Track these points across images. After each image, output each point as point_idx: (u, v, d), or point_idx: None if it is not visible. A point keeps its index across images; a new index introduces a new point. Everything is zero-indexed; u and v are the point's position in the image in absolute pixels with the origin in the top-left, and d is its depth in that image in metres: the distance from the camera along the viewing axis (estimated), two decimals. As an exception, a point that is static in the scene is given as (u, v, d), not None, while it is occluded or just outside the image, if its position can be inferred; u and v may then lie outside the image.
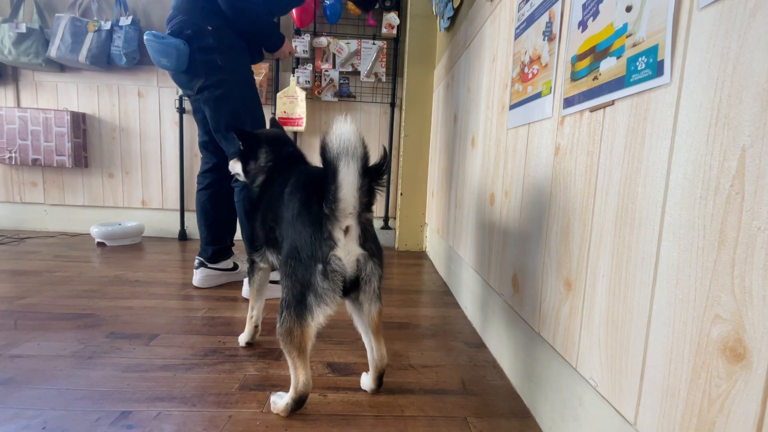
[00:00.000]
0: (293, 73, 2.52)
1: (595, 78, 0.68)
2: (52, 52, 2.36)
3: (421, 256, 2.44)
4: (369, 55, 2.54)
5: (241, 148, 1.13)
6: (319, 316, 0.79)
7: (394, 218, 2.73)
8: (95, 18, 2.46)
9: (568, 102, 0.78)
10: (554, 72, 0.84)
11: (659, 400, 0.53)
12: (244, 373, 1.00)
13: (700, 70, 0.49)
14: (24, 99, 2.61)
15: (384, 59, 2.56)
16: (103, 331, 1.20)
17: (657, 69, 0.55)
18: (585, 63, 0.72)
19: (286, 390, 0.86)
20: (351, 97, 2.62)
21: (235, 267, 1.74)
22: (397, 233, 2.58)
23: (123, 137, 2.65)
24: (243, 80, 1.51)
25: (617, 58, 0.63)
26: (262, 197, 1.06)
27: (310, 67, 2.54)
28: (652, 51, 0.55)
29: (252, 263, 1.12)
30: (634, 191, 0.60)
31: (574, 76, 0.76)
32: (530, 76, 0.97)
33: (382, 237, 2.67)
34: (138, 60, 2.53)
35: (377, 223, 2.70)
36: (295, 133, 2.63)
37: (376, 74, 2.57)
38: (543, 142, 0.91)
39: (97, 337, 1.15)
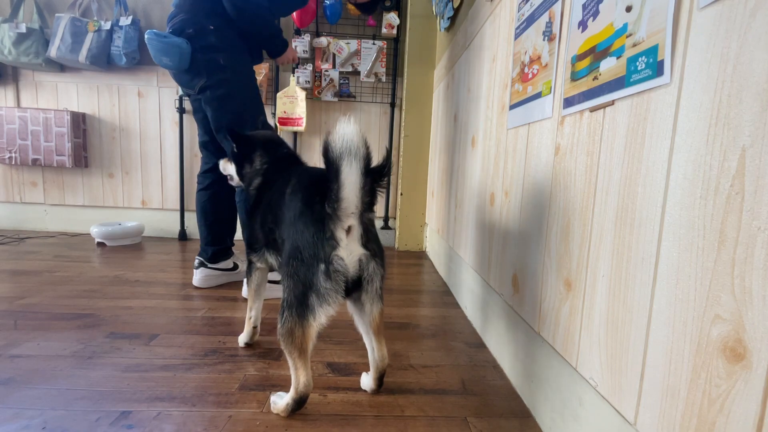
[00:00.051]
0: (293, 73, 2.52)
1: (595, 78, 0.69)
2: (52, 52, 2.36)
3: (421, 256, 2.44)
4: (369, 55, 2.54)
5: (234, 150, 1.12)
6: (321, 317, 0.79)
7: (394, 218, 2.73)
8: (95, 18, 2.46)
9: (568, 102, 0.78)
10: (554, 72, 0.84)
11: (659, 400, 0.53)
12: (244, 373, 1.00)
13: (700, 70, 0.49)
14: (24, 99, 2.61)
15: (384, 59, 2.56)
16: (103, 331, 1.20)
17: (657, 69, 0.55)
18: (585, 63, 0.72)
19: (286, 390, 0.86)
20: (351, 97, 2.62)
21: (235, 267, 1.74)
22: (397, 233, 2.58)
23: (123, 137, 2.65)
24: (245, 80, 1.51)
25: (617, 58, 0.63)
26: (261, 199, 1.06)
27: (310, 67, 2.54)
28: (652, 51, 0.55)
29: (250, 264, 1.12)
30: (634, 191, 0.60)
31: (574, 76, 0.76)
32: (530, 76, 0.97)
33: (383, 237, 2.67)
34: (138, 60, 2.53)
35: (377, 223, 2.70)
36: (295, 133, 2.63)
37: (376, 74, 2.57)
38: (543, 142, 0.91)
39: (97, 337, 1.15)
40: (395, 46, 2.57)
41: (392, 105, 2.63)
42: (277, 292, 1.47)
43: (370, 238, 0.83)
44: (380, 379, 0.92)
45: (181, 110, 2.58)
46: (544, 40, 0.90)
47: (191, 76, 1.45)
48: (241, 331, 1.17)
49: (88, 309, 1.37)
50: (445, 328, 1.34)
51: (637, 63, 0.58)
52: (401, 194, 2.51)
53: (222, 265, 1.69)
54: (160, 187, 2.69)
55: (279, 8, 1.58)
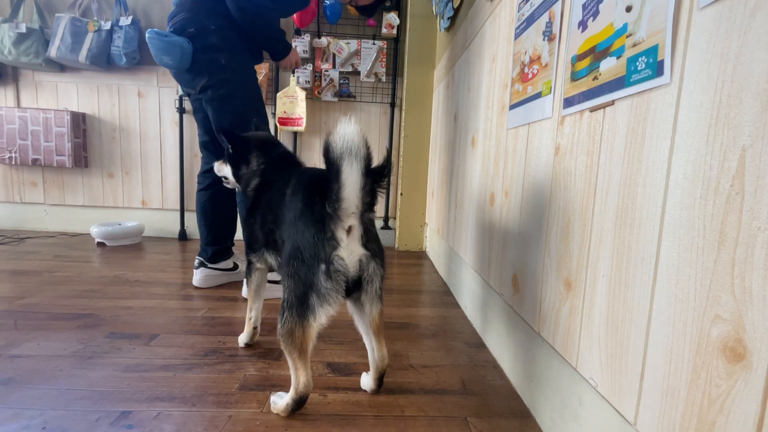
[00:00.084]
0: (293, 73, 2.52)
1: (595, 78, 0.69)
2: (52, 52, 2.36)
3: (421, 256, 2.44)
4: (369, 55, 2.54)
5: (230, 151, 1.12)
6: (321, 317, 0.79)
7: (394, 218, 2.73)
8: (95, 18, 2.46)
9: (568, 102, 0.78)
10: (554, 72, 0.84)
11: (659, 400, 0.53)
12: (244, 373, 1.00)
13: (700, 70, 0.49)
14: (24, 99, 2.61)
15: (384, 59, 2.56)
16: (103, 331, 1.20)
17: (657, 69, 0.55)
18: (585, 63, 0.72)
19: (286, 390, 0.86)
20: (351, 97, 2.62)
21: (235, 267, 1.74)
22: (397, 233, 2.58)
23: (123, 137, 2.65)
24: (246, 80, 1.51)
25: (617, 58, 0.63)
26: (260, 199, 1.05)
27: (310, 67, 2.54)
28: (652, 51, 0.55)
29: (249, 264, 1.12)
30: (634, 191, 0.60)
31: (574, 76, 0.76)
32: (530, 76, 0.97)
33: (383, 237, 2.67)
34: (138, 60, 2.53)
35: (377, 223, 2.70)
36: (295, 133, 2.63)
37: (376, 74, 2.57)
38: (543, 142, 0.91)
39: (97, 337, 1.15)
40: (395, 46, 2.57)
41: (392, 105, 2.63)
42: (277, 292, 1.47)
43: (370, 238, 0.83)
44: (380, 379, 0.92)
45: (181, 110, 2.58)
46: (544, 40, 0.90)
47: (192, 75, 1.45)
48: (241, 331, 1.17)
49: (88, 309, 1.37)
50: (445, 328, 1.34)
51: (637, 63, 0.58)
52: (401, 194, 2.51)
53: (222, 265, 1.69)
54: (160, 187, 2.69)
55: (281, 8, 1.58)
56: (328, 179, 0.74)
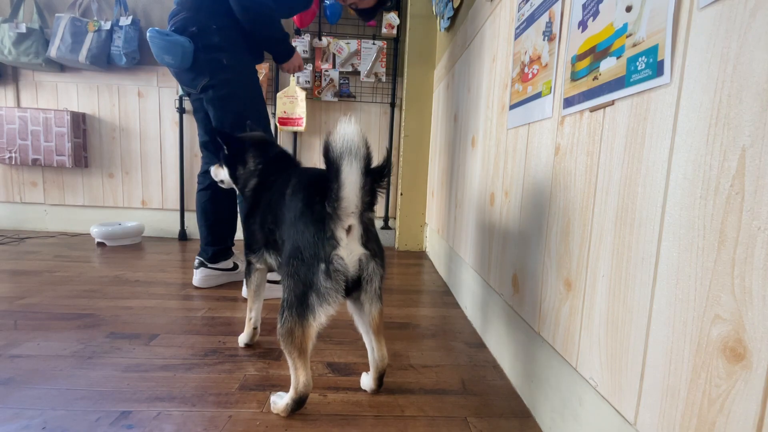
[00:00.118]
0: (293, 73, 2.52)
1: (595, 78, 0.69)
2: (52, 52, 2.36)
3: (421, 256, 2.44)
4: (369, 55, 2.54)
5: (226, 152, 1.12)
6: (321, 316, 0.79)
7: (394, 218, 2.73)
8: (95, 18, 2.46)
9: (568, 102, 0.78)
10: (554, 72, 0.84)
11: (659, 400, 0.53)
12: (244, 373, 1.00)
13: (700, 70, 0.49)
14: (24, 99, 2.61)
15: (384, 59, 2.56)
16: (103, 331, 1.20)
17: (657, 69, 0.55)
18: (585, 63, 0.72)
19: (286, 390, 0.86)
20: (351, 97, 2.62)
21: (235, 267, 1.74)
22: (397, 233, 2.58)
23: (123, 137, 2.65)
24: (248, 80, 1.51)
25: (617, 58, 0.63)
26: (259, 200, 1.05)
27: (310, 67, 2.54)
28: (652, 51, 0.55)
29: (249, 265, 1.12)
30: (634, 191, 0.60)
31: (574, 76, 0.76)
32: (530, 76, 0.97)
33: (382, 237, 2.67)
34: (138, 60, 2.53)
35: (377, 223, 2.70)
36: (295, 133, 2.63)
37: (376, 74, 2.57)
38: (543, 142, 0.91)
39: (97, 337, 1.15)
40: (395, 46, 2.57)
41: (392, 105, 2.63)
42: (277, 292, 1.47)
43: (370, 238, 0.83)
44: (380, 379, 0.92)
45: (181, 110, 2.58)
46: (544, 40, 0.90)
47: (194, 75, 1.45)
48: (241, 331, 1.17)
49: (88, 309, 1.37)
50: (445, 328, 1.34)
51: (637, 63, 0.58)
52: (401, 194, 2.51)
53: (222, 265, 1.69)
54: (160, 187, 2.69)
55: (283, 9, 1.57)
56: (327, 179, 0.75)
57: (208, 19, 1.40)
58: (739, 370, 0.43)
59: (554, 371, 0.80)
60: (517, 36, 1.08)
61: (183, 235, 2.69)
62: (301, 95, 2.47)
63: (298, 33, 2.52)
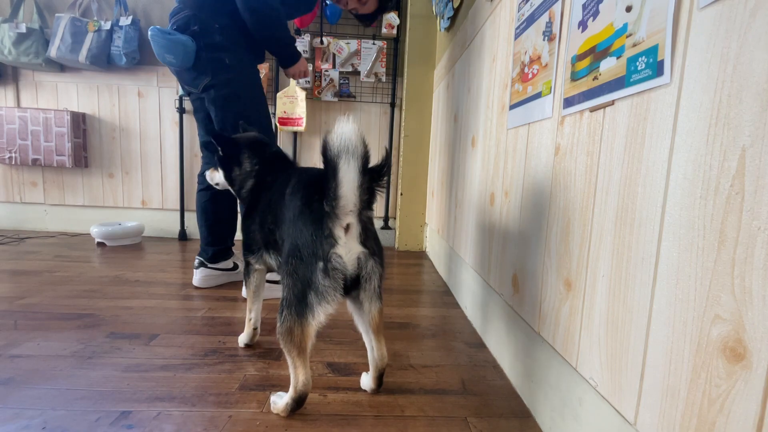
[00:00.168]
0: (298, 79, 2.52)
1: (595, 78, 0.68)
2: (52, 52, 2.36)
3: (421, 256, 2.44)
4: (369, 55, 2.54)
5: (221, 154, 1.11)
6: (320, 315, 0.79)
7: (394, 218, 2.73)
8: (95, 18, 2.46)
9: (568, 102, 0.78)
10: (554, 72, 0.84)
11: (659, 400, 0.53)
12: (244, 373, 1.00)
13: (700, 70, 0.49)
14: (24, 99, 2.61)
15: (384, 59, 2.56)
16: (103, 331, 1.20)
17: (657, 69, 0.55)
18: (585, 63, 0.72)
19: (286, 390, 0.86)
20: (351, 97, 2.62)
21: (235, 267, 1.74)
22: (397, 233, 2.58)
23: (123, 137, 2.65)
24: (250, 80, 1.50)
25: (617, 58, 0.63)
26: (257, 200, 1.05)
27: (310, 67, 2.53)
28: (652, 51, 0.55)
29: (248, 265, 1.12)
30: (634, 191, 0.60)
31: (574, 76, 0.76)
32: (530, 76, 0.97)
33: (382, 237, 2.67)
34: (138, 60, 2.53)
35: (377, 223, 2.71)
36: (295, 133, 2.63)
37: (376, 74, 2.57)
38: (543, 142, 0.91)
39: (97, 337, 1.15)
40: (395, 46, 2.57)
41: (392, 105, 2.63)
42: (277, 292, 1.47)
43: (368, 237, 0.83)
44: (380, 379, 0.92)
45: (181, 110, 2.58)
46: (544, 40, 0.90)
47: (195, 74, 1.44)
48: (241, 331, 1.17)
49: (88, 309, 1.37)
50: (445, 328, 1.34)
51: (637, 63, 0.58)
52: (401, 194, 2.51)
53: (222, 265, 1.69)
54: (160, 187, 2.69)
55: (289, 11, 1.57)
56: (325, 177, 0.75)
57: (210, 17, 1.39)
58: (739, 370, 0.43)
59: (554, 371, 0.80)
60: (517, 36, 1.08)
61: (183, 235, 2.69)
62: (301, 95, 2.48)
63: (298, 33, 2.52)
